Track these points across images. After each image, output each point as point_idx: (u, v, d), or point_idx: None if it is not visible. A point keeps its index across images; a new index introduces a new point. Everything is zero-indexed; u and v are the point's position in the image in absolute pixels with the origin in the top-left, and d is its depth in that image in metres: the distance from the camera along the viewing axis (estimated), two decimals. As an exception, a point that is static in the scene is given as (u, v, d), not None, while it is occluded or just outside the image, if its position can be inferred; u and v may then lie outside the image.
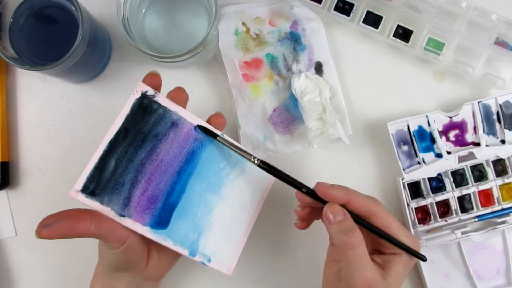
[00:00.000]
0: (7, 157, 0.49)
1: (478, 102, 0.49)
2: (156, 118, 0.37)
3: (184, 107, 0.39)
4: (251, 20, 0.49)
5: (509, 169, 0.48)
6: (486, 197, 0.48)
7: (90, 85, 0.50)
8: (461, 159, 0.48)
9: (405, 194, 0.48)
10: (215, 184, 0.40)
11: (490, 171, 0.48)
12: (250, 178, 0.41)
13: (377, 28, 0.49)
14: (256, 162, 0.38)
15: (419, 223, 0.48)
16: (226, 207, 0.40)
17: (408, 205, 0.48)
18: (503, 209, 0.48)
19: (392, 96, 0.51)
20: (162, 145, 0.38)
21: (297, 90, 0.47)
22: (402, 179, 0.48)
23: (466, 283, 0.49)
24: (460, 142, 0.49)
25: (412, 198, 0.48)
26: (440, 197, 0.48)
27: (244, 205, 0.41)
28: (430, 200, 0.48)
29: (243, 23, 0.49)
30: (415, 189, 0.49)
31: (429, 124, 0.48)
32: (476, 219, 0.48)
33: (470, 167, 0.48)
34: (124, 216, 0.35)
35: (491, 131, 0.49)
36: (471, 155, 0.48)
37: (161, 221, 0.37)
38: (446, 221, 0.48)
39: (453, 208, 0.48)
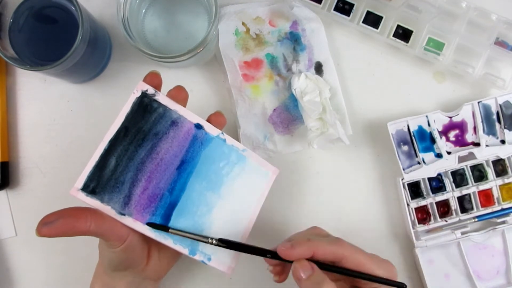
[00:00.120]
0: (7, 157, 0.49)
1: (478, 102, 0.49)
2: (156, 116, 0.37)
3: (184, 106, 0.39)
4: (251, 20, 0.49)
5: (509, 169, 0.48)
6: (486, 197, 0.48)
7: (90, 85, 0.50)
8: (461, 159, 0.48)
9: (405, 194, 0.48)
10: (215, 183, 0.40)
11: (490, 171, 0.48)
12: (250, 177, 0.41)
13: (377, 28, 0.49)
14: (214, 242, 0.37)
15: (419, 223, 0.48)
16: (226, 205, 0.40)
17: (408, 205, 0.48)
18: (503, 209, 0.48)
19: (392, 96, 0.51)
20: (162, 144, 0.37)
21: (297, 90, 0.47)
22: (402, 179, 0.48)
23: (466, 283, 0.49)
24: (460, 142, 0.49)
25: (412, 198, 0.48)
26: (440, 197, 0.48)
27: (244, 204, 0.41)
28: (430, 200, 0.48)
29: (243, 23, 0.49)
30: (415, 189, 0.49)
31: (429, 124, 0.48)
32: (476, 219, 0.48)
33: (470, 167, 0.48)
34: (124, 214, 0.35)
35: (491, 131, 0.49)
36: (471, 155, 0.48)
37: (161, 220, 0.37)
38: (446, 221, 0.48)
39: (453, 208, 0.48)
